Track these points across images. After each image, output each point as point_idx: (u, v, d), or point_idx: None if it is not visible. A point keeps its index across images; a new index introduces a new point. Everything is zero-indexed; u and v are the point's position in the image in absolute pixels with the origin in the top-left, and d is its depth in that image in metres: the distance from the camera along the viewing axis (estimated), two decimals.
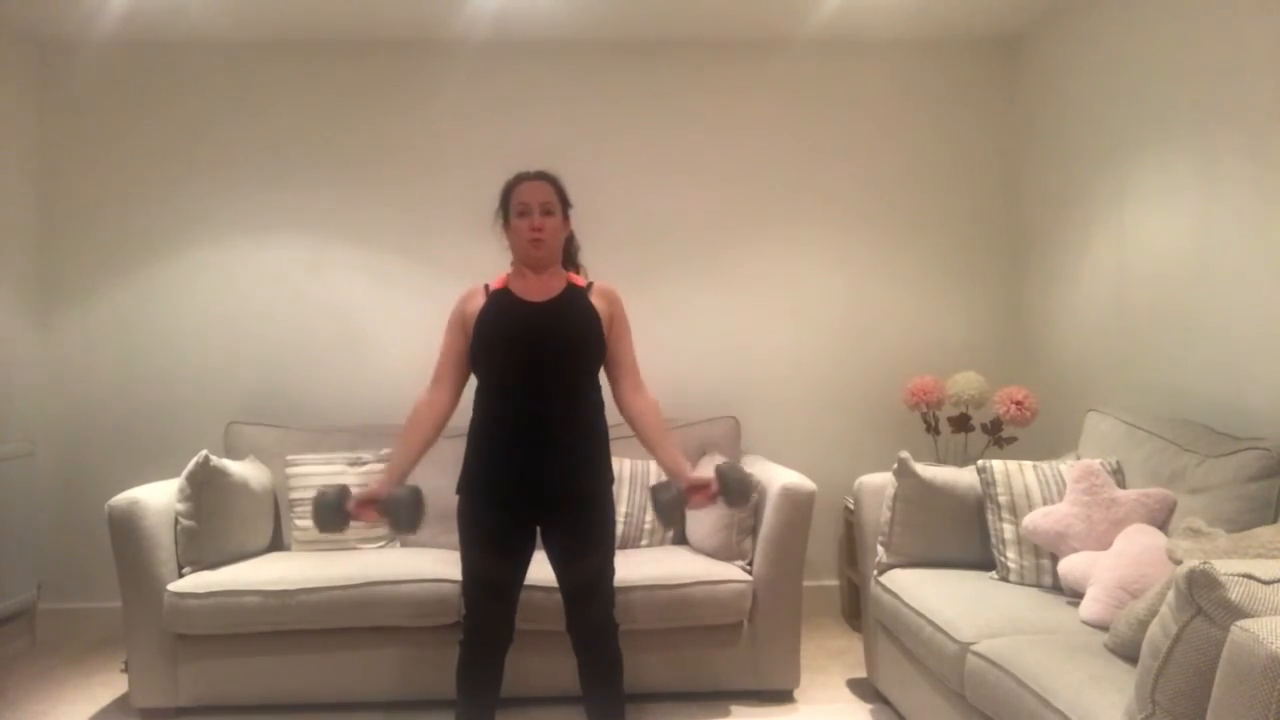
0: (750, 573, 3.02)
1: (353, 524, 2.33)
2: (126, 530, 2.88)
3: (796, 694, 3.08)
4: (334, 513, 2.26)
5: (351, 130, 3.94)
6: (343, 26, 3.77)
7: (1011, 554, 2.69)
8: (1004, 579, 2.69)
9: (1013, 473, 2.79)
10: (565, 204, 2.48)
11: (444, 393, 2.42)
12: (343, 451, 3.49)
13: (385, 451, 3.47)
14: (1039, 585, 2.63)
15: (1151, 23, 3.11)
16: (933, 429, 3.73)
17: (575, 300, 2.39)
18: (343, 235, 3.93)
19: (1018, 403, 3.50)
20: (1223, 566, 1.48)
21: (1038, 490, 2.73)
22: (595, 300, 2.41)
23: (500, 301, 2.39)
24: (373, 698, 2.97)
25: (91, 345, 3.88)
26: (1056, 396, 3.70)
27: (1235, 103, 2.73)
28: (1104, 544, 2.48)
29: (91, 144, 3.89)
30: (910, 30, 3.92)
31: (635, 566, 2.96)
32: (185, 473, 3.03)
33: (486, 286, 2.45)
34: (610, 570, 2.40)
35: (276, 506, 3.46)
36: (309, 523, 3.30)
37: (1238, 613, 1.42)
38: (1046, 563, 2.63)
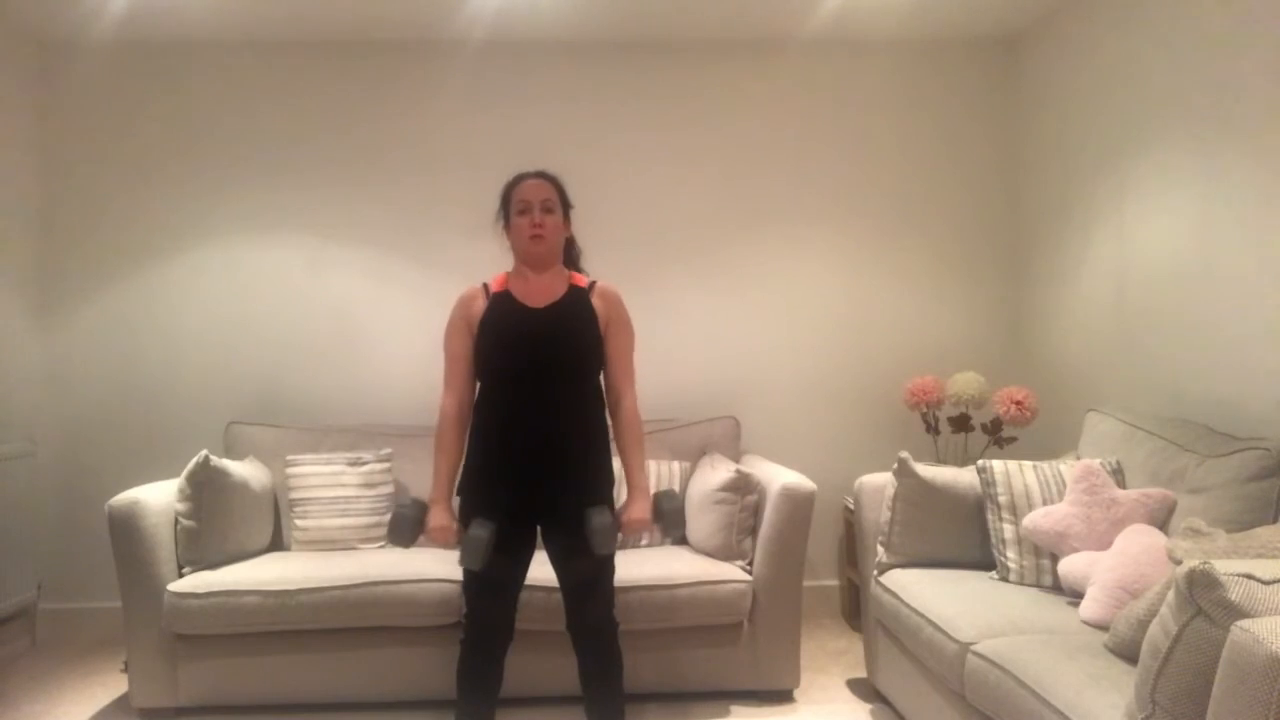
0: (750, 573, 3.02)
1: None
2: (126, 530, 2.88)
3: (796, 694, 3.08)
4: (411, 529, 2.36)
5: (351, 130, 3.94)
6: (343, 26, 3.77)
7: (1011, 554, 2.69)
8: (1004, 579, 2.69)
9: (1013, 473, 2.79)
10: (566, 204, 2.48)
11: (464, 393, 2.43)
12: (343, 451, 3.49)
13: (385, 451, 3.48)
14: (1039, 585, 2.63)
15: (1151, 23, 3.11)
16: (933, 429, 3.73)
17: (576, 303, 2.40)
18: (343, 235, 3.93)
19: (1018, 403, 3.50)
20: (1223, 566, 1.48)
21: (1038, 490, 2.73)
22: (595, 300, 2.42)
23: (502, 306, 2.39)
24: (373, 698, 2.97)
25: (91, 345, 3.88)
26: (1056, 396, 3.70)
27: (1235, 103, 2.73)
28: (1104, 544, 2.48)
29: (92, 144, 3.89)
30: (910, 30, 3.92)
31: (635, 566, 2.96)
32: (185, 473, 3.03)
33: (486, 287, 2.45)
34: (610, 569, 2.41)
35: (276, 506, 3.46)
36: (309, 522, 3.32)
37: (1238, 613, 1.42)
38: (1046, 563, 2.63)
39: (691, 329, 4.01)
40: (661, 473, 3.46)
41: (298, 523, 3.34)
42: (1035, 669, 2.00)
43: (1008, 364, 4.03)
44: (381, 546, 3.35)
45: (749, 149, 4.03)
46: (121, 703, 3.09)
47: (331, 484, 3.35)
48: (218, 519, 3.06)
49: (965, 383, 3.62)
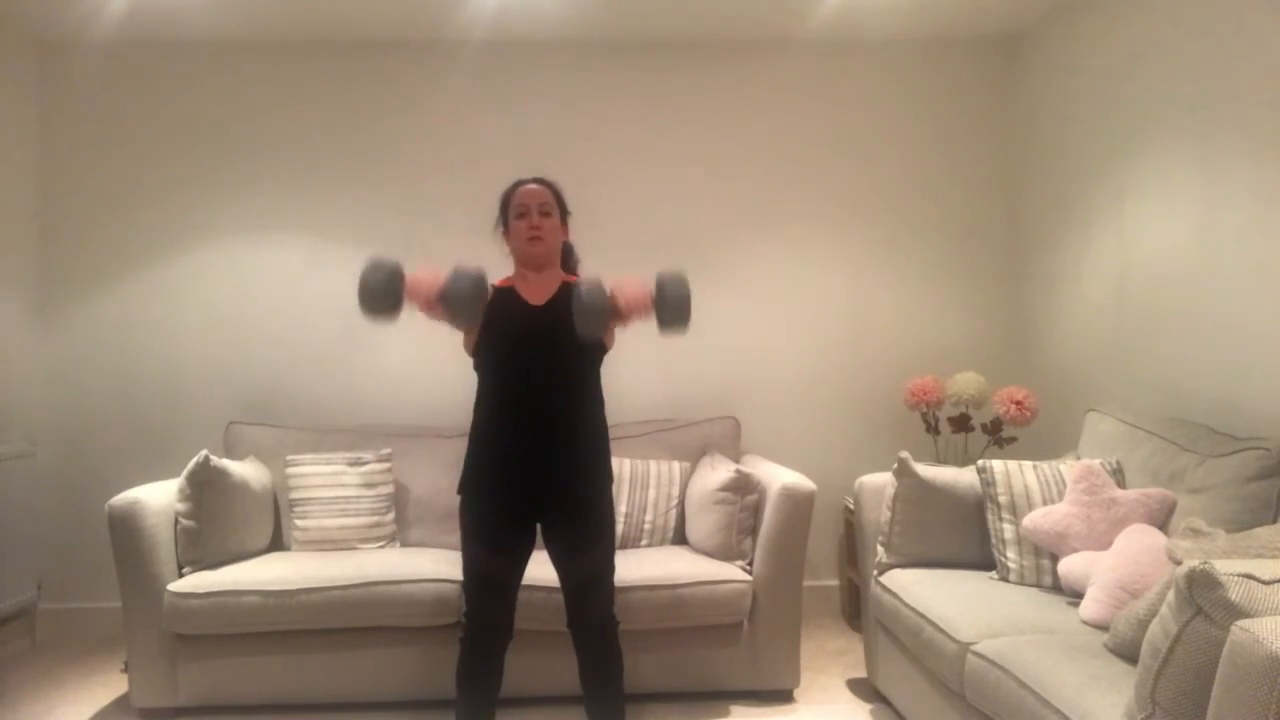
0: (750, 573, 3.02)
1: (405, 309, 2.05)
2: (126, 530, 2.88)
3: (796, 694, 3.08)
4: (384, 294, 1.97)
5: (351, 130, 3.94)
6: (343, 26, 3.77)
7: (1011, 554, 2.69)
8: (1004, 579, 2.69)
9: (1013, 473, 2.78)
10: (563, 210, 2.51)
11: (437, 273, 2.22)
12: (343, 451, 3.49)
13: (385, 451, 3.48)
14: (1039, 585, 2.63)
15: (1151, 23, 3.11)
16: (933, 429, 3.73)
17: (570, 299, 2.41)
18: (343, 235, 3.93)
19: (1018, 403, 3.50)
20: (1223, 566, 1.48)
21: (1038, 490, 2.73)
22: None
23: (504, 301, 2.42)
24: (373, 697, 2.97)
25: (91, 345, 3.88)
26: (1056, 396, 3.70)
27: (1235, 103, 2.73)
28: (1104, 544, 2.48)
29: (91, 144, 3.89)
30: (910, 30, 3.92)
31: (635, 566, 2.96)
32: (185, 473, 3.03)
33: (493, 285, 2.47)
34: (610, 567, 2.42)
35: (276, 506, 3.46)
36: (309, 522, 3.31)
37: (1238, 613, 1.42)
38: (1046, 563, 2.63)
39: (691, 329, 3.98)
40: (661, 473, 3.46)
41: (298, 523, 3.34)
42: (1035, 669, 2.00)
43: (1008, 364, 4.03)
44: (381, 547, 3.35)
45: (749, 149, 4.02)
46: (121, 703, 3.09)
47: (331, 484, 3.35)
48: (218, 519, 3.06)
49: (965, 383, 3.62)
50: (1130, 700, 1.62)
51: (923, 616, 2.52)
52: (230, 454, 3.56)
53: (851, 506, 3.25)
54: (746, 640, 3.01)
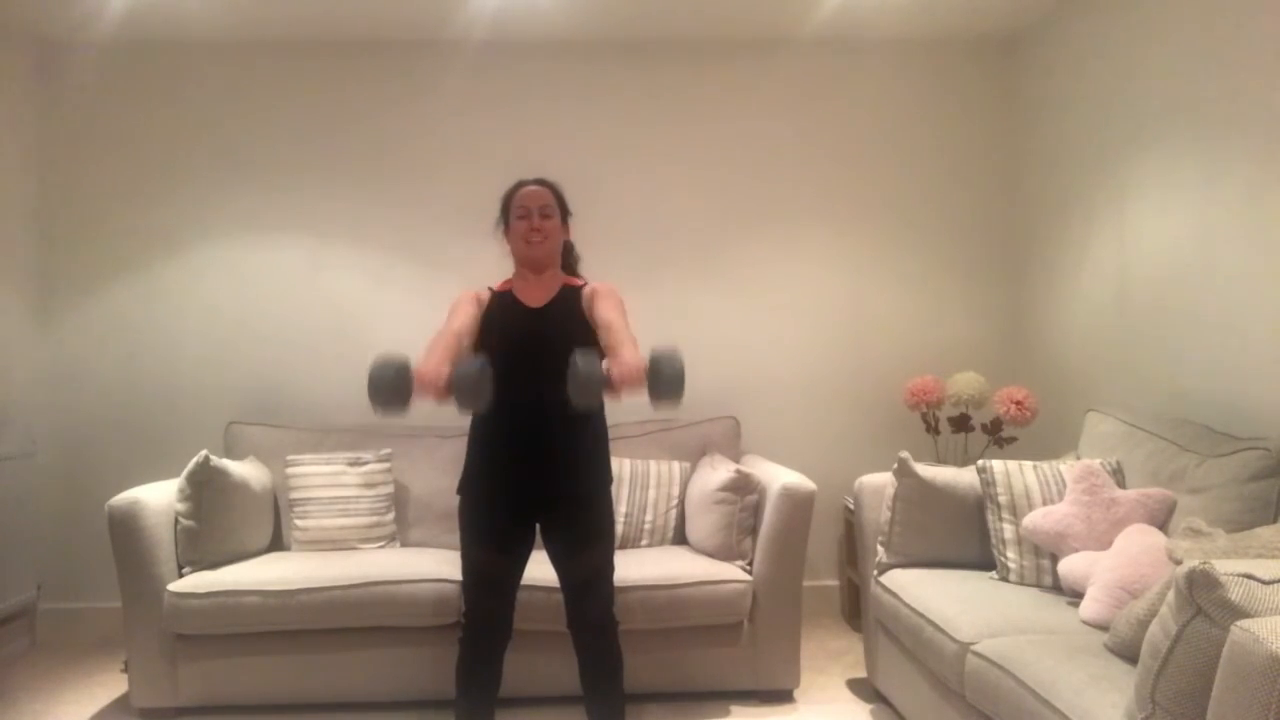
0: (750, 573, 3.02)
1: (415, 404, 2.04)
2: (126, 530, 2.88)
3: (796, 694, 3.08)
4: (394, 391, 1.98)
5: (351, 130, 3.94)
6: (343, 26, 3.77)
7: (1011, 554, 2.69)
8: (1004, 579, 2.69)
9: (1013, 473, 2.78)
10: (564, 211, 2.52)
11: (442, 365, 2.14)
12: (343, 451, 3.49)
13: (385, 451, 3.48)
14: (1039, 585, 2.63)
15: (1151, 23, 3.11)
16: (933, 429, 3.73)
17: (569, 301, 2.43)
18: (343, 235, 3.93)
19: (1018, 403, 3.50)
20: (1223, 566, 1.48)
21: (1038, 490, 2.73)
22: (585, 294, 2.44)
23: (502, 304, 2.44)
24: (373, 698, 2.97)
25: (92, 345, 3.88)
26: (1056, 396, 3.70)
27: (1235, 103, 2.73)
28: (1104, 544, 2.48)
29: (91, 144, 3.89)
30: (910, 30, 3.92)
31: (635, 566, 2.96)
32: (185, 473, 3.03)
33: (490, 290, 2.50)
34: (610, 567, 2.42)
35: (276, 506, 3.46)
36: (309, 522, 3.31)
37: (1238, 613, 1.42)
38: (1046, 563, 2.63)
39: (691, 329, 4.00)
40: (661, 473, 3.46)
41: (298, 523, 3.34)
42: (1035, 669, 2.00)
43: (1008, 364, 4.03)
44: (381, 547, 3.35)
45: (749, 149, 4.03)
46: (121, 703, 3.09)
47: (331, 484, 3.35)
48: (218, 519, 3.06)
49: (965, 383, 3.62)
50: (1130, 700, 1.62)
51: (923, 616, 2.52)
52: (230, 454, 3.56)
53: (851, 506, 3.25)
54: (746, 640, 3.01)
